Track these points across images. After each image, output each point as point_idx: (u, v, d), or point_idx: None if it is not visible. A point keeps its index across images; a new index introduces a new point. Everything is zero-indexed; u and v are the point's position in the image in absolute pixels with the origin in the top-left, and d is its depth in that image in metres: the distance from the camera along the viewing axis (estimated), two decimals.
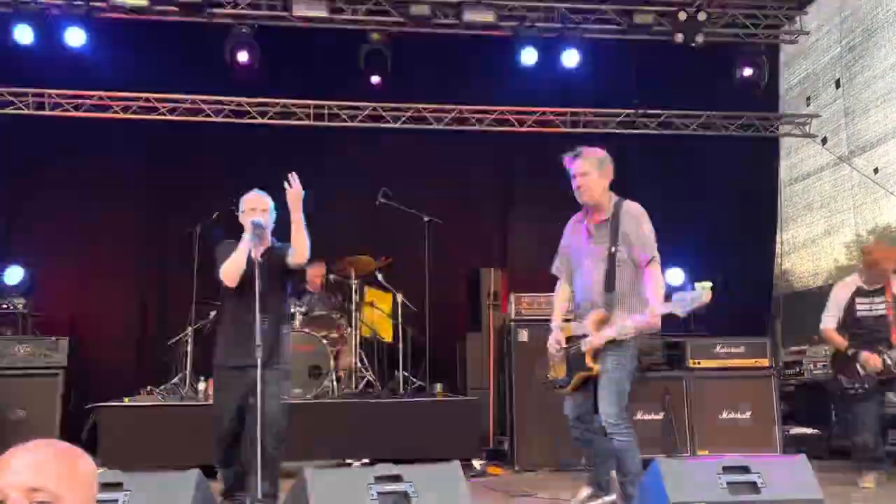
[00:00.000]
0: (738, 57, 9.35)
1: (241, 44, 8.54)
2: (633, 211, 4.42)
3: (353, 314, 7.74)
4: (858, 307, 6.08)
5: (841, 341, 6.10)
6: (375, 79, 8.88)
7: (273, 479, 4.44)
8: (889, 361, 5.85)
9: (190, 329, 7.64)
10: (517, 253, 9.94)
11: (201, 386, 7.19)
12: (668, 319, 8.55)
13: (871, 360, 5.87)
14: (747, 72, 9.27)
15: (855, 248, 9.22)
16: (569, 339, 4.48)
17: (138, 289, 9.19)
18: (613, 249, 4.29)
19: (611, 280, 4.27)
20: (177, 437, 6.64)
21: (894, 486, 6.00)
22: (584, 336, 4.36)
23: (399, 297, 8.10)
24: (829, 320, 6.21)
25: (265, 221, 4.56)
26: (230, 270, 4.46)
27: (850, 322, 6.08)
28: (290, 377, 4.88)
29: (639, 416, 7.28)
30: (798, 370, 8.32)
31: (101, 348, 8.72)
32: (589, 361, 4.32)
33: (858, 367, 5.93)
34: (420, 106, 9.58)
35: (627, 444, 4.24)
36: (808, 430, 7.73)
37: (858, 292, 6.09)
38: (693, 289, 4.09)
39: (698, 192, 10.08)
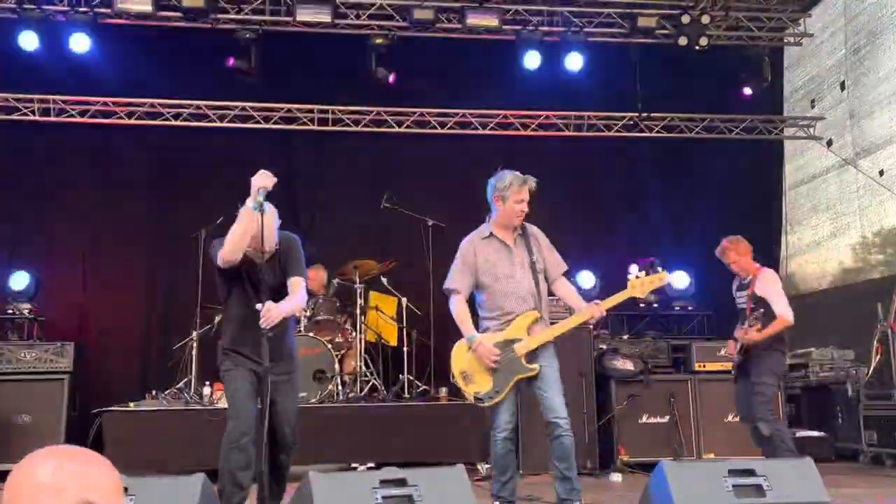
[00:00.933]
0: (741, 67, 9.39)
1: (242, 50, 8.58)
2: (539, 230, 4.85)
3: (358, 318, 7.73)
4: (737, 300, 6.25)
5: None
6: (383, 72, 8.81)
7: (283, 483, 4.44)
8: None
9: (194, 334, 7.65)
10: None
11: (206, 391, 7.20)
12: (675, 324, 8.53)
13: (728, 348, 6.19)
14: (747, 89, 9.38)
15: (861, 251, 9.20)
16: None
17: (143, 294, 9.20)
18: (534, 259, 4.65)
19: (538, 286, 4.62)
20: (182, 441, 6.65)
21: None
22: (515, 341, 4.52)
23: (403, 301, 8.10)
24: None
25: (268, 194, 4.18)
26: (232, 241, 4.06)
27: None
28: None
29: (644, 419, 7.28)
30: (804, 373, 8.31)
31: (107, 353, 8.73)
32: (526, 363, 4.49)
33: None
34: (424, 110, 9.59)
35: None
36: (815, 433, 7.71)
37: (737, 287, 6.27)
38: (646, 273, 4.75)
39: (702, 195, 10.07)
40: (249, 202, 4.08)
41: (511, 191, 4.66)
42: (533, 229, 4.82)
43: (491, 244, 4.71)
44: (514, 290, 4.59)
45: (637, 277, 4.75)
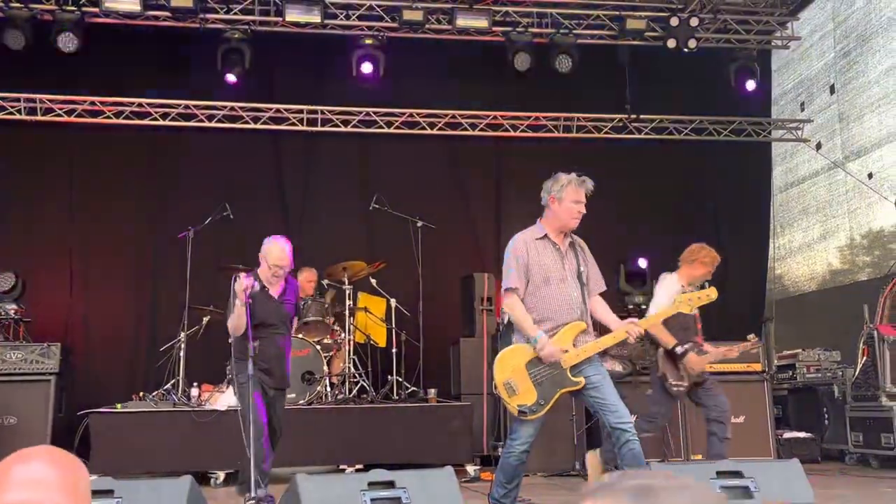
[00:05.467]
0: (732, 66, 9.38)
1: (233, 51, 8.55)
2: (585, 244, 4.70)
3: (347, 319, 7.72)
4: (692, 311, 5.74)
5: (670, 337, 5.72)
6: (367, 67, 8.81)
7: None
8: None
9: (182, 335, 7.61)
10: None
11: (194, 392, 7.16)
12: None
13: (697, 364, 5.71)
14: (750, 84, 9.32)
15: (849, 253, 9.25)
16: (530, 363, 4.33)
17: (131, 294, 9.15)
18: (582, 270, 4.50)
19: (584, 297, 4.47)
20: (169, 443, 6.62)
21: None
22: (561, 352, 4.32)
23: (392, 303, 8.09)
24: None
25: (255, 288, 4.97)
26: (235, 327, 5.01)
27: (672, 319, 5.57)
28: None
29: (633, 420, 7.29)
30: (791, 374, 8.34)
31: (94, 354, 8.69)
32: (571, 376, 4.31)
33: (683, 366, 5.75)
34: (413, 111, 9.58)
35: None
36: (802, 434, 7.74)
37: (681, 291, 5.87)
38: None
39: (691, 197, 10.10)
40: (239, 302, 4.86)
41: (568, 191, 4.46)
42: (580, 241, 4.66)
43: (544, 245, 4.50)
44: (565, 297, 4.41)
45: (684, 293, 4.65)
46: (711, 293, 4.68)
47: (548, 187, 4.54)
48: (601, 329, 4.65)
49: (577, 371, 4.32)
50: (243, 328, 4.94)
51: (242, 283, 4.88)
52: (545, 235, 4.51)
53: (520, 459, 4.38)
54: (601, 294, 4.66)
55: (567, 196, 4.46)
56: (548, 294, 4.41)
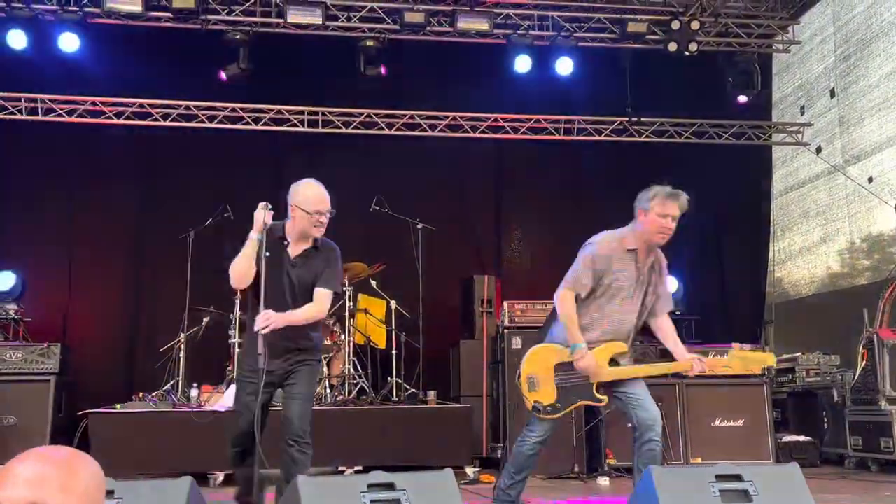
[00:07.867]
0: (730, 72, 9.40)
1: (231, 53, 8.56)
2: (665, 264, 4.50)
3: (347, 321, 7.72)
4: None
5: None
6: (374, 70, 8.82)
7: None
8: None
9: (182, 335, 7.62)
10: (511, 260, 9.97)
11: (193, 393, 7.17)
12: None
13: None
14: (741, 97, 9.37)
15: (849, 256, 9.24)
16: (560, 366, 4.31)
17: (131, 295, 9.15)
18: (649, 297, 4.37)
19: (638, 323, 4.38)
20: (169, 444, 6.62)
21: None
22: None
23: (392, 304, 8.10)
24: None
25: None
26: (238, 270, 4.20)
27: None
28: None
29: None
30: (790, 378, 8.34)
31: (93, 354, 8.68)
32: (597, 392, 4.28)
33: None
34: (414, 112, 9.59)
35: None
36: (801, 438, 7.74)
37: None
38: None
39: (692, 200, 10.09)
40: (254, 234, 4.24)
41: (656, 202, 4.29)
42: (662, 259, 4.47)
43: (629, 260, 4.33)
44: (621, 316, 4.31)
45: (741, 349, 4.56)
46: (768, 359, 4.65)
47: (639, 197, 4.38)
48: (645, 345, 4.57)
49: (603, 389, 4.29)
50: (247, 275, 4.13)
51: (263, 214, 4.22)
52: (635, 249, 4.35)
53: (533, 450, 4.37)
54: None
55: (655, 208, 4.30)
56: (606, 307, 4.31)
